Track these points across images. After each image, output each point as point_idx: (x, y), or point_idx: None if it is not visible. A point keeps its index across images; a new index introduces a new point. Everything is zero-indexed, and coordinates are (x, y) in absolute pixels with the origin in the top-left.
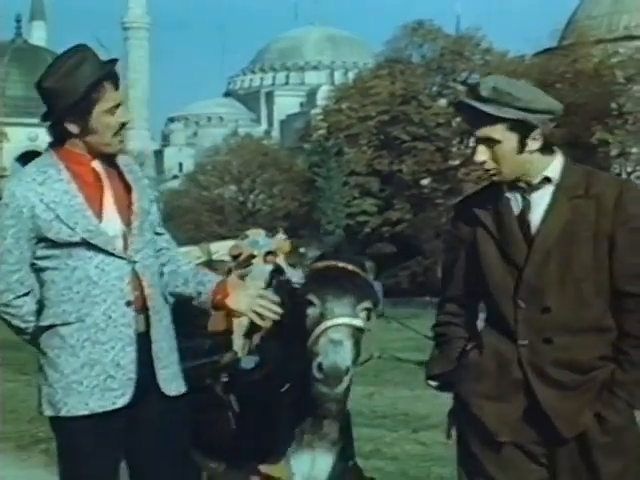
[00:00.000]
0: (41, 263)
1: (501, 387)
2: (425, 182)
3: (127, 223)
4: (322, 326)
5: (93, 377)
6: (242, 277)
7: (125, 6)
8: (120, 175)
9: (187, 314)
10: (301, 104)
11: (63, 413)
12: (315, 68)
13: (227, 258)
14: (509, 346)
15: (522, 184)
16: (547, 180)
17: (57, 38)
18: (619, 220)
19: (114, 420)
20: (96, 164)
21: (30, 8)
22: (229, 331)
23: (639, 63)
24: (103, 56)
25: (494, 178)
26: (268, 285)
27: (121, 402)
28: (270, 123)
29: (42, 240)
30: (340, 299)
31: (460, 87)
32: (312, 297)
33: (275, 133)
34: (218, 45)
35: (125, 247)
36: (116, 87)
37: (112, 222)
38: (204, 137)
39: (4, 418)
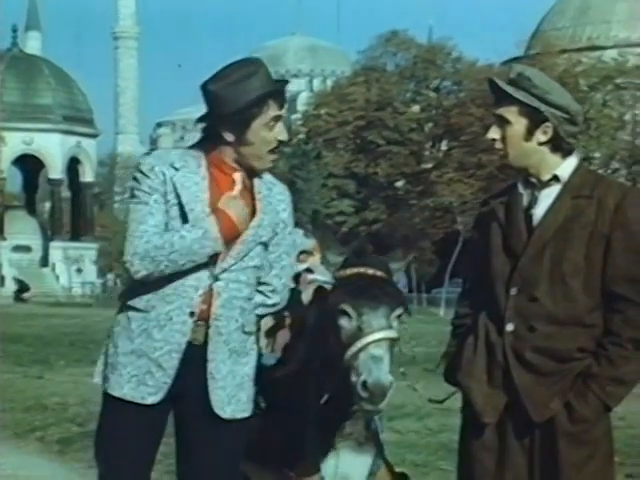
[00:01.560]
0: None
1: (490, 370)
2: (399, 184)
3: (231, 243)
4: (363, 341)
5: (136, 367)
6: None
7: (115, 17)
8: (254, 198)
9: None
10: None
11: (104, 387)
12: (295, 76)
13: None
14: (497, 331)
15: (533, 179)
16: (556, 179)
17: (51, 47)
18: (618, 222)
19: (147, 414)
20: (237, 177)
21: (26, 19)
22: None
23: (601, 72)
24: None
25: (503, 161)
26: (296, 283)
27: (150, 400)
28: None
29: None
30: (376, 311)
31: (432, 94)
32: (347, 308)
33: None
34: (203, 53)
35: (215, 262)
36: (280, 107)
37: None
38: (190, 141)
39: (2, 407)
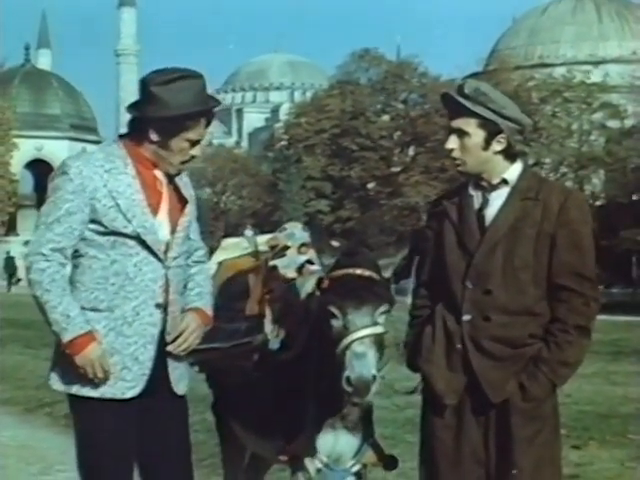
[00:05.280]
0: (83, 247)
1: (448, 357)
2: (371, 186)
3: (172, 232)
4: (348, 339)
5: (110, 365)
6: (275, 267)
7: (117, 36)
8: (176, 188)
9: (228, 299)
10: (266, 119)
11: (73, 391)
12: (278, 88)
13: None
14: (455, 321)
15: (484, 183)
16: (505, 182)
17: (60, 63)
18: (561, 222)
19: (124, 408)
20: (158, 173)
21: (37, 37)
22: (263, 315)
23: (551, 87)
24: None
25: (459, 168)
26: (299, 274)
27: (130, 394)
28: (240, 135)
29: (93, 223)
30: (359, 310)
31: (400, 105)
32: (333, 309)
33: (244, 144)
34: (196, 67)
35: (165, 253)
36: (208, 124)
37: (162, 227)
38: None
39: (15, 385)
